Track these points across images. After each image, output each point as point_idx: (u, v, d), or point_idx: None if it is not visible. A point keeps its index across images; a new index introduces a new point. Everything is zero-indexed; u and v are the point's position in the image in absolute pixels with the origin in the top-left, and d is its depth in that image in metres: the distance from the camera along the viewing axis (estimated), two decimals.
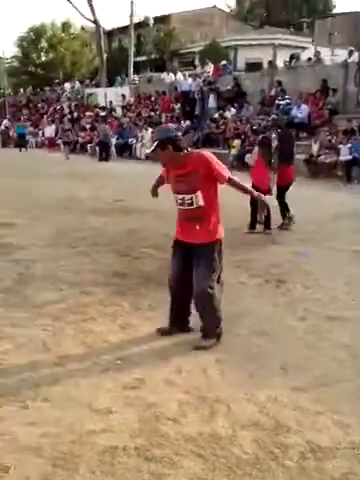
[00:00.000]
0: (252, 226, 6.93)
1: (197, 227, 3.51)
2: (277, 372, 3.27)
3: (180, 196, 3.51)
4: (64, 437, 2.60)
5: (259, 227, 6.89)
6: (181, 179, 3.47)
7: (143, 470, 2.39)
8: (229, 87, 17.45)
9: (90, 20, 27.56)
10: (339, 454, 2.49)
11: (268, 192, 6.41)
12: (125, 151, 18.28)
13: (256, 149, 7.10)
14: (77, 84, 27.54)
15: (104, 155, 17.82)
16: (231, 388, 3.07)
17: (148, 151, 3.47)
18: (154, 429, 2.69)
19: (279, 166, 6.95)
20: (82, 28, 38.34)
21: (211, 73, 19.04)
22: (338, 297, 4.55)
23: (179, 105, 18.86)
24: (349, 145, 11.57)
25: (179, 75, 20.91)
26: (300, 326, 3.97)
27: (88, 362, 3.38)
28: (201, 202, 3.45)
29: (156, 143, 3.41)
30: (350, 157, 11.37)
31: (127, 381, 3.14)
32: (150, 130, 17.42)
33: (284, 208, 7.15)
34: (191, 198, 3.46)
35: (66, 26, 38.44)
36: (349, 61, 14.95)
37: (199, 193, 3.44)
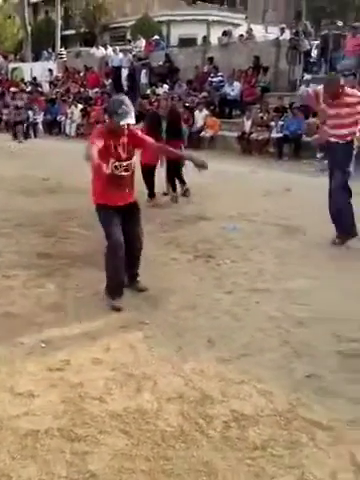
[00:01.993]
0: (151, 195, 7.25)
1: (127, 190, 3.94)
2: (204, 345, 3.29)
3: (119, 163, 3.81)
4: None
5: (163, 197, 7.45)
6: (122, 147, 3.81)
7: (66, 450, 2.34)
8: (161, 63, 17.21)
9: None
10: (261, 421, 2.55)
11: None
12: (53, 128, 17.66)
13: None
14: (0, 58, 26.12)
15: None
16: (158, 363, 3.07)
17: (131, 121, 3.66)
18: (78, 409, 2.65)
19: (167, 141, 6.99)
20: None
21: (143, 48, 18.67)
22: (266, 270, 4.64)
23: (110, 81, 18.40)
24: (281, 123, 11.79)
25: (109, 50, 20.31)
26: (227, 299, 4.02)
27: (10, 346, 3.25)
28: (134, 167, 3.94)
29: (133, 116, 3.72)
30: (281, 134, 11.59)
31: (51, 363, 3.06)
32: (80, 106, 16.92)
33: (179, 181, 7.57)
34: (128, 165, 3.85)
35: None
36: (281, 39, 15.11)
37: (134, 159, 3.91)
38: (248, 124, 12.51)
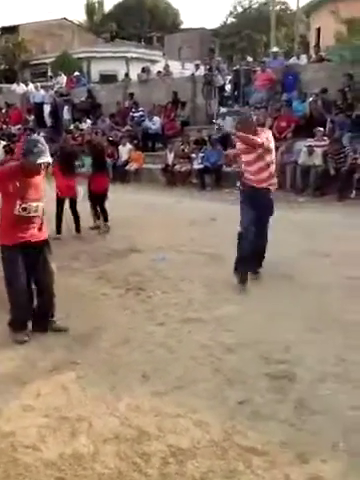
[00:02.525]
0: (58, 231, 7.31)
1: (36, 229, 3.90)
2: (138, 380, 3.28)
3: (27, 204, 3.77)
4: None
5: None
6: (34, 187, 3.82)
7: None
8: (83, 99, 17.31)
9: None
10: (199, 454, 2.57)
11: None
12: None
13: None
14: None
15: None
16: (92, 404, 3.02)
17: (47, 159, 3.78)
18: (11, 460, 2.54)
19: (93, 174, 7.65)
20: None
21: (64, 85, 18.72)
22: (195, 299, 4.72)
23: (32, 117, 18.22)
24: (201, 154, 12.19)
25: (31, 86, 20.16)
26: (160, 331, 4.04)
27: None
28: (43, 208, 3.96)
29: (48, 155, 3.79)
30: (202, 166, 11.97)
31: None
32: (3, 142, 16.55)
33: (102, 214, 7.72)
34: (37, 206, 3.84)
35: None
36: (196, 74, 15.74)
37: (43, 201, 3.92)
38: (171, 157, 12.81)
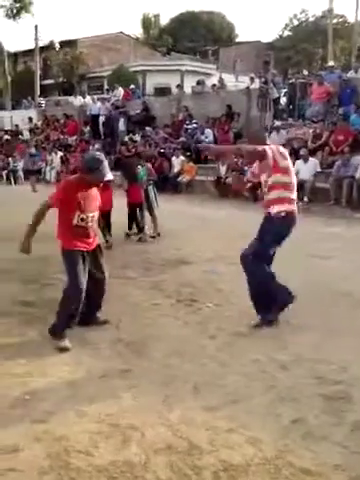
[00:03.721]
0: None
1: (91, 238, 4.11)
2: (190, 393, 3.26)
3: (85, 215, 3.98)
4: None
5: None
6: (92, 198, 4.04)
7: None
8: (139, 111, 17.68)
9: None
10: (251, 470, 2.51)
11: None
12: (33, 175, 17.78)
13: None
14: None
15: None
16: (144, 413, 3.02)
17: (110, 177, 4.11)
18: (64, 464, 2.57)
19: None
20: None
21: (121, 97, 19.20)
22: (247, 313, 4.66)
23: (88, 128, 18.76)
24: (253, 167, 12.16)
25: (88, 98, 20.82)
26: (212, 344, 4.02)
27: None
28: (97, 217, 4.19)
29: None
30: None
31: (36, 415, 2.99)
32: (60, 153, 17.14)
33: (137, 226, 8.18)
34: (93, 216, 4.06)
35: None
36: (251, 87, 15.76)
37: (97, 211, 4.15)
38: (223, 169, 12.82)
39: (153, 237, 8.07)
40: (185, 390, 3.29)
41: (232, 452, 2.65)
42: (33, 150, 17.90)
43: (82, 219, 3.96)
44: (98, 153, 4.28)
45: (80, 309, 4.02)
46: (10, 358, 3.74)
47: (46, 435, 2.80)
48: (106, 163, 4.00)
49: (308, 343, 3.98)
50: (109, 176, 4.03)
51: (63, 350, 3.87)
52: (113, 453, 2.65)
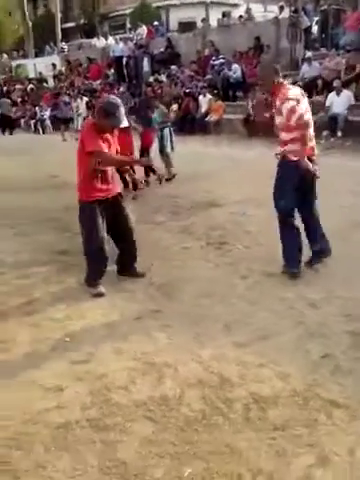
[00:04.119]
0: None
1: (111, 183, 4.08)
2: (220, 331, 3.40)
3: None
4: (16, 418, 2.63)
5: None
6: (107, 143, 3.97)
7: (96, 440, 2.46)
8: (162, 49, 17.14)
9: None
10: (281, 402, 2.65)
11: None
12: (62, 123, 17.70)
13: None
14: (4, 56, 26.17)
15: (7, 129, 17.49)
16: (177, 351, 3.17)
17: (126, 124, 4.12)
18: (105, 400, 2.76)
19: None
20: None
21: (144, 36, 18.58)
22: (277, 254, 4.69)
23: (112, 71, 18.37)
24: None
25: (110, 39, 20.27)
26: (241, 284, 4.11)
27: (36, 343, 3.37)
28: None
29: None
30: None
31: (76, 356, 3.18)
32: (85, 99, 16.92)
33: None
34: None
35: None
36: (280, 17, 14.96)
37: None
38: (252, 106, 12.45)
39: (168, 179, 8.01)
40: (216, 328, 3.42)
41: (262, 385, 2.78)
42: (66, 98, 17.73)
43: (100, 162, 3.94)
44: (114, 97, 4.15)
45: (114, 261, 4.12)
46: (51, 304, 3.94)
47: (87, 374, 2.99)
48: (123, 109, 3.92)
49: (338, 282, 4.02)
50: (125, 123, 4.01)
51: (98, 295, 4.03)
52: (149, 388, 2.83)
